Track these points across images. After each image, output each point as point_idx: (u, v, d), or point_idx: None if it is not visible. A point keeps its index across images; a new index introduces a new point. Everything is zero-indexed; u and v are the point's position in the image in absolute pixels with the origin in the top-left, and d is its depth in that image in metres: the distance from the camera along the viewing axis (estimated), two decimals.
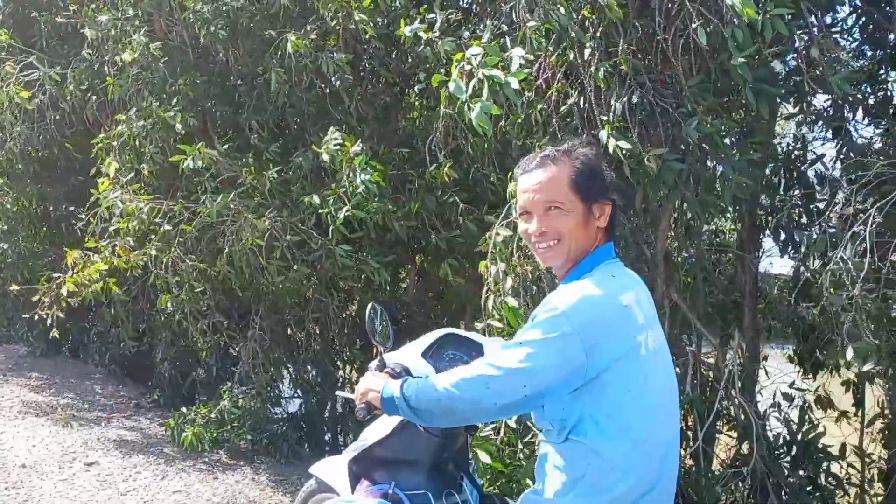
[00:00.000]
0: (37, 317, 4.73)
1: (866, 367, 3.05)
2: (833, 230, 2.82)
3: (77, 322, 6.72)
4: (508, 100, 2.89)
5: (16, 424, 4.73)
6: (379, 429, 2.27)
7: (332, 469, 2.43)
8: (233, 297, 4.81)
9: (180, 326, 4.82)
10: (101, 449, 4.42)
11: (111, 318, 5.78)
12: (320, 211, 3.80)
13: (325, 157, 3.82)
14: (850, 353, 2.67)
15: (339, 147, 3.81)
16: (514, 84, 2.84)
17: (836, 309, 2.70)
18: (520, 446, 3.01)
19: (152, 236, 4.56)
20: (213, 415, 4.49)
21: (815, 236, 2.91)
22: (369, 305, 2.16)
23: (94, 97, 5.40)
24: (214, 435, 4.46)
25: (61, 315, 4.65)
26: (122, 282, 5.41)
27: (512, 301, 2.92)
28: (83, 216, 4.77)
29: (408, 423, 2.11)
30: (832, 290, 2.69)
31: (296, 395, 5.32)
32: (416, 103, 4.90)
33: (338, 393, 2.38)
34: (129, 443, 4.60)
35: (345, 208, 3.69)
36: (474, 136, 3.37)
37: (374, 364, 2.13)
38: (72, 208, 6.03)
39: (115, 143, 4.75)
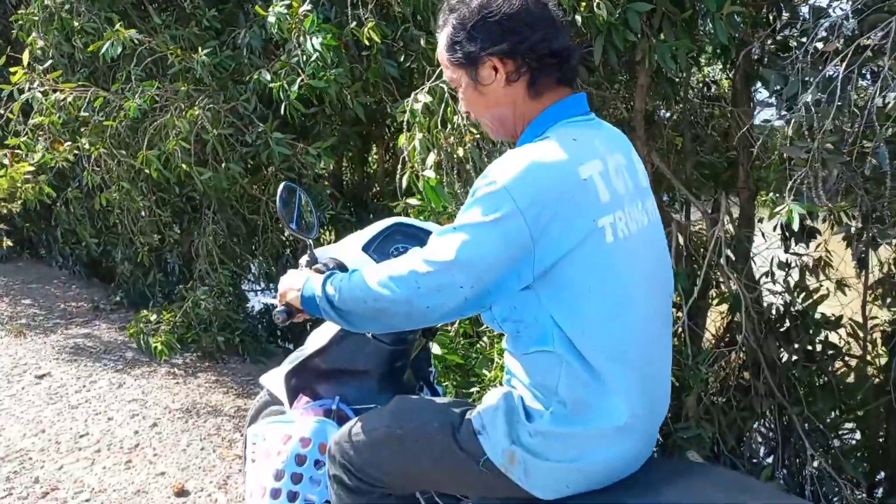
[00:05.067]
0: None
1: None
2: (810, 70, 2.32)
3: (38, 223, 6.38)
4: None
5: None
6: (321, 335, 1.96)
7: (277, 380, 2.15)
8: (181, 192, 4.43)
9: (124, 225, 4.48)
10: (54, 359, 4.18)
11: (68, 217, 5.43)
12: (271, 85, 3.34)
13: (272, 19, 3.32)
14: (795, 219, 2.19)
15: (287, 10, 3.30)
16: None
17: (792, 162, 2.25)
18: (482, 339, 2.72)
19: (83, 129, 4.13)
20: (177, 319, 4.21)
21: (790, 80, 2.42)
22: (281, 186, 1.77)
23: None
24: (182, 338, 4.19)
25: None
26: (72, 177, 5.04)
27: (430, 174, 2.52)
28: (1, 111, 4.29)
29: None
30: (790, 141, 2.23)
31: (265, 290, 5.04)
32: None
33: (259, 297, 2.00)
34: (86, 350, 4.35)
35: (298, 80, 3.23)
36: None
37: (303, 259, 1.78)
38: None
39: (36, 18, 4.22)
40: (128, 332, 4.38)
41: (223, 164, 3.74)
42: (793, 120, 2.09)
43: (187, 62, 3.75)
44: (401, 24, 3.25)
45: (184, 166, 3.63)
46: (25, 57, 4.00)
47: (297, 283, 1.54)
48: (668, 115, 3.89)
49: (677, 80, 3.44)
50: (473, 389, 2.55)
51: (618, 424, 1.31)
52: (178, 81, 3.81)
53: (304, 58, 3.22)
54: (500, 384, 2.00)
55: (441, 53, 1.44)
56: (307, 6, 3.26)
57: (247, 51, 3.75)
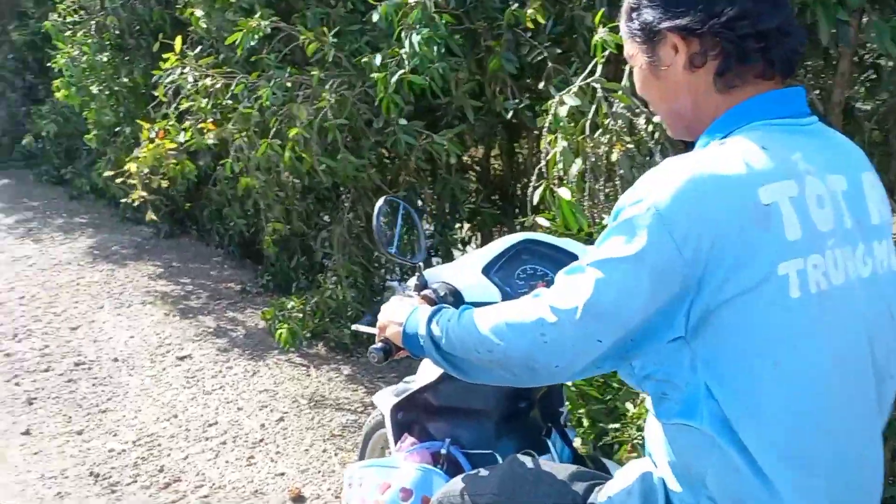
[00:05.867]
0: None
1: None
2: None
3: (197, 201, 6.62)
4: None
5: (119, 313, 4.66)
6: (432, 366, 1.71)
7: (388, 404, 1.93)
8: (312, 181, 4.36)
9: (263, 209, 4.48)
10: (196, 340, 4.25)
11: (219, 196, 5.57)
12: (374, 76, 3.15)
13: (375, 17, 3.16)
14: None
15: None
16: None
17: None
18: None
19: (231, 115, 4.14)
20: (308, 307, 4.14)
21: None
22: (381, 200, 1.53)
23: None
24: (312, 328, 4.12)
25: (146, 195, 4.42)
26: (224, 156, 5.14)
27: (564, 193, 2.14)
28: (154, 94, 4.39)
29: None
30: None
31: (402, 280, 4.89)
32: None
33: (354, 326, 1.72)
34: (227, 333, 4.39)
35: (398, 72, 3.01)
36: None
37: (411, 282, 1.55)
38: None
39: None
40: (263, 318, 4.38)
41: (339, 153, 3.58)
42: None
43: (322, 48, 3.62)
44: (567, 3, 2.89)
45: (305, 156, 3.52)
46: (178, 44, 4.05)
47: (399, 315, 1.29)
48: (867, 107, 3.29)
49: (885, 65, 2.86)
50: (613, 426, 2.21)
51: None
52: (315, 67, 3.69)
53: (409, 52, 2.99)
54: (644, 424, 1.66)
55: (620, 22, 1.15)
56: None
57: (374, 34, 3.56)
